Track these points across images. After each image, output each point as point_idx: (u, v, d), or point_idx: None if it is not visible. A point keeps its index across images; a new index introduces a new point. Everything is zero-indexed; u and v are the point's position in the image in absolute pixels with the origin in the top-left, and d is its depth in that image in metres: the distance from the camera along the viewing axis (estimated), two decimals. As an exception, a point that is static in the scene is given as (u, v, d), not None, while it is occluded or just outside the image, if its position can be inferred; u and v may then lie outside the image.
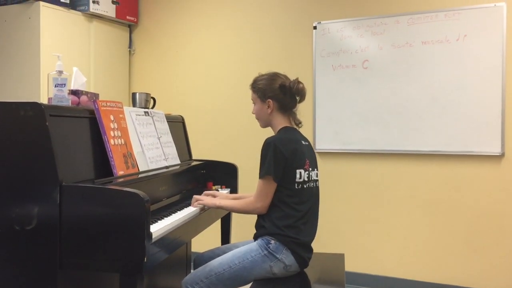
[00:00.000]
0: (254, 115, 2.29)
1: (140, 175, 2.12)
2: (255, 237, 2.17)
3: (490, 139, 3.22)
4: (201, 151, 3.62)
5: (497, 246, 3.26)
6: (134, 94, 2.75)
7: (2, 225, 1.73)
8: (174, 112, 3.12)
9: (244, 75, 3.90)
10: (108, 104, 2.07)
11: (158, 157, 2.39)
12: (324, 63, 3.68)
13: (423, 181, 3.44)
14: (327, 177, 3.53)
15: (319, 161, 2.30)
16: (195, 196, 2.33)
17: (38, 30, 3.53)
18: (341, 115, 3.63)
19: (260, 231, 2.14)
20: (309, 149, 2.23)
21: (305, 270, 2.19)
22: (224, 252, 2.22)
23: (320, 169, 2.29)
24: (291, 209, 2.09)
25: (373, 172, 3.58)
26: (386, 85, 3.49)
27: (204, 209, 2.33)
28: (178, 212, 2.17)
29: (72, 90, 2.20)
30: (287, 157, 2.06)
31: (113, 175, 1.96)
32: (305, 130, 2.30)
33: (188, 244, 3.03)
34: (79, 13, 3.88)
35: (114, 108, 2.11)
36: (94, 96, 2.28)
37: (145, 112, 2.45)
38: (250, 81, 2.30)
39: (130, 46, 4.45)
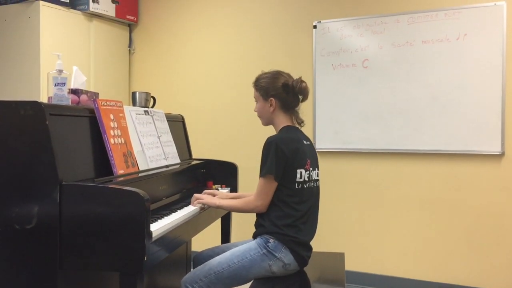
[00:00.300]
0: (255, 114, 2.29)
1: (140, 174, 2.13)
2: (254, 236, 2.17)
3: (490, 138, 3.22)
4: (201, 150, 3.62)
5: (497, 245, 3.26)
6: (134, 93, 2.75)
7: (2, 224, 1.73)
8: (174, 111, 3.12)
9: (244, 75, 3.91)
10: (108, 103, 2.07)
11: (158, 156, 2.39)
12: (324, 62, 3.68)
13: (423, 180, 3.44)
14: (327, 177, 3.53)
15: (319, 160, 2.29)
16: (195, 195, 2.33)
17: (38, 30, 3.53)
18: (341, 114, 3.63)
19: (259, 230, 2.14)
20: (311, 148, 2.23)
21: (305, 269, 2.19)
22: (224, 251, 2.22)
23: (320, 168, 2.29)
24: (290, 209, 2.09)
25: (373, 171, 3.58)
26: (386, 84, 3.49)
27: (204, 208, 2.33)
28: (178, 211, 2.17)
29: (72, 89, 2.20)
30: (288, 156, 2.06)
31: (113, 174, 1.96)
32: (305, 129, 2.30)
33: (188, 243, 3.03)
34: (79, 12, 3.88)
35: (114, 107, 2.11)
36: (94, 95, 2.28)
37: (145, 111, 2.45)
38: (250, 80, 2.30)
39: (130, 45, 4.45)
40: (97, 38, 4.04)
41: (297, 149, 2.10)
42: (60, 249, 1.67)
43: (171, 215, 2.08)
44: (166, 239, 1.86)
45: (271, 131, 2.23)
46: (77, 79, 2.30)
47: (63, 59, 2.06)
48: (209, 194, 2.39)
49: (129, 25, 4.44)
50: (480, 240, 3.29)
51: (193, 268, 2.23)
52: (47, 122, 1.68)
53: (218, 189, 2.74)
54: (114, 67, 4.25)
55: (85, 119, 1.96)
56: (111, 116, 2.06)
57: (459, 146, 3.30)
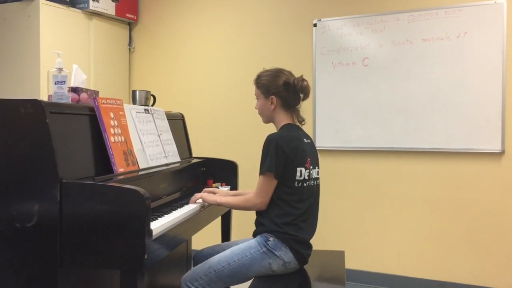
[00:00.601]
0: (255, 112, 2.29)
1: (140, 173, 2.12)
2: (254, 235, 2.17)
3: (490, 137, 3.22)
4: (201, 149, 3.62)
5: (497, 243, 3.26)
6: (134, 92, 2.75)
7: (3, 222, 1.73)
8: (174, 110, 3.11)
9: (244, 73, 3.91)
10: (108, 101, 2.07)
11: (158, 155, 2.39)
12: (324, 61, 3.68)
13: (423, 179, 3.44)
14: (327, 175, 3.53)
15: (319, 159, 2.29)
16: (196, 194, 2.33)
17: (38, 28, 3.53)
18: (341, 113, 3.63)
19: (259, 228, 2.14)
20: (311, 147, 2.23)
21: (305, 267, 2.19)
22: (224, 250, 2.22)
23: (320, 167, 2.29)
24: (290, 207, 2.09)
25: (373, 170, 3.58)
26: (386, 82, 3.49)
27: (204, 206, 2.33)
28: (179, 209, 2.17)
29: (72, 87, 2.20)
30: (288, 154, 2.06)
31: (113, 173, 1.96)
32: (305, 128, 2.29)
33: (188, 242, 3.03)
34: (79, 11, 3.88)
35: (114, 106, 2.11)
36: (94, 94, 2.28)
37: (145, 109, 2.45)
38: (250, 78, 2.30)
39: (130, 44, 4.44)
40: (97, 36, 4.04)
41: (297, 147, 2.09)
42: (60, 247, 1.67)
43: (171, 213, 2.08)
44: (167, 237, 1.86)
45: (271, 129, 2.22)
46: (77, 77, 2.30)
47: (63, 57, 2.06)
48: (209, 192, 2.39)
49: (129, 24, 4.44)
50: (480, 238, 3.30)
51: (193, 266, 2.23)
52: (47, 120, 1.68)
53: (218, 187, 2.74)
54: (114, 66, 4.25)
55: (85, 117, 1.96)
56: (111, 115, 2.06)
57: (459, 144, 3.30)
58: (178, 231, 1.99)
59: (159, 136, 2.48)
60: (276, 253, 2.06)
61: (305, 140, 2.18)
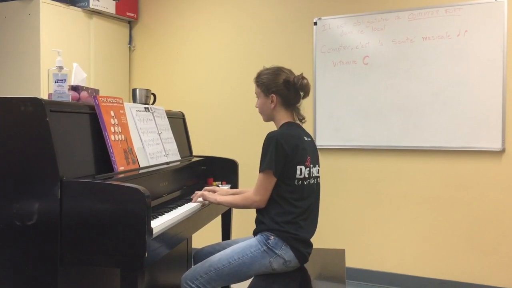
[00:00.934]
0: (255, 111, 2.29)
1: (140, 171, 2.13)
2: (255, 233, 2.17)
3: (490, 135, 3.22)
4: (201, 147, 3.62)
5: (497, 241, 3.26)
6: (134, 90, 2.74)
7: (3, 220, 1.73)
8: (175, 108, 3.11)
9: (245, 71, 3.91)
10: (108, 99, 2.07)
11: (158, 153, 2.39)
12: (325, 59, 3.68)
13: (424, 177, 3.44)
14: (328, 173, 3.52)
15: (319, 157, 2.29)
16: (197, 192, 2.33)
17: (38, 27, 3.53)
18: (341, 111, 3.63)
19: (260, 227, 2.14)
20: (312, 145, 2.22)
21: (306, 265, 2.19)
22: (224, 248, 2.22)
23: (320, 165, 2.29)
24: (290, 206, 2.09)
25: (374, 168, 3.58)
26: (387, 81, 3.49)
27: (204, 205, 2.33)
28: (179, 207, 2.17)
29: (72, 85, 2.20)
30: (288, 152, 2.06)
31: (113, 171, 1.96)
32: (305, 126, 2.29)
33: (188, 240, 3.04)
34: (79, 9, 3.88)
35: (115, 104, 2.11)
36: (94, 92, 2.28)
37: (145, 108, 2.45)
38: (250, 77, 2.29)
39: (130, 42, 4.44)
40: (97, 35, 4.04)
41: (297, 145, 2.09)
42: (60, 245, 1.67)
43: (171, 211, 2.08)
44: (167, 236, 1.86)
45: (271, 127, 2.22)
46: (77, 76, 2.29)
47: (63, 56, 2.06)
48: (209, 191, 2.39)
49: (129, 22, 4.44)
50: (481, 236, 3.30)
51: (194, 264, 2.23)
52: (47, 119, 1.68)
53: (218, 186, 2.74)
54: (114, 64, 4.25)
55: (85, 116, 1.96)
56: (112, 113, 2.06)
57: (460, 142, 3.30)
58: (178, 229, 1.99)
59: (159, 135, 2.48)
60: (277, 251, 2.06)
61: (305, 139, 2.18)
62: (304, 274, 2.17)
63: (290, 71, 2.23)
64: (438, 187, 3.40)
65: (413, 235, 3.48)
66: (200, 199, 2.32)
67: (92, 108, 1.99)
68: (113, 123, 2.04)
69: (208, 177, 2.90)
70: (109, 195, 1.66)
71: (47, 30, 3.57)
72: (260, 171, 2.08)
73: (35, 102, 1.70)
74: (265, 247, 2.07)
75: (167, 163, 2.44)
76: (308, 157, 2.14)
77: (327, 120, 3.68)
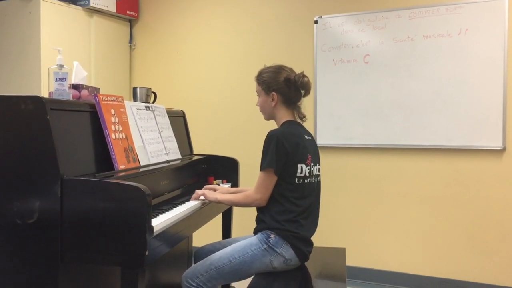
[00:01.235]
0: (256, 109, 2.29)
1: (141, 169, 2.12)
2: (255, 231, 2.17)
3: (491, 134, 3.21)
4: (202, 146, 3.62)
5: (498, 240, 3.26)
6: (134, 89, 2.74)
7: (4, 219, 1.73)
8: (175, 107, 3.11)
9: (245, 70, 3.90)
10: (109, 98, 2.07)
11: (159, 152, 2.39)
12: (325, 58, 3.67)
13: (425, 176, 3.44)
14: (328, 172, 3.52)
15: (320, 156, 2.29)
16: (197, 191, 2.33)
17: (39, 25, 3.53)
18: (342, 110, 3.63)
19: (260, 225, 2.15)
20: (312, 144, 2.22)
21: (306, 264, 2.19)
22: (225, 247, 2.22)
23: (321, 164, 2.29)
24: (291, 204, 2.09)
25: (374, 167, 3.58)
26: (388, 79, 3.49)
27: (205, 203, 2.33)
28: (179, 206, 2.17)
29: (72, 84, 2.20)
30: (289, 151, 2.06)
31: (114, 169, 1.96)
32: (306, 125, 2.29)
33: (189, 239, 3.04)
34: (80, 7, 3.88)
35: (115, 102, 2.11)
36: (95, 90, 2.28)
37: (146, 106, 2.45)
38: (251, 75, 2.29)
39: (130, 41, 4.44)
40: (97, 33, 4.04)
41: (298, 144, 2.09)
42: (61, 243, 1.68)
43: (172, 210, 2.08)
44: (167, 234, 1.86)
45: (272, 126, 2.22)
46: (78, 74, 2.30)
47: (63, 54, 2.06)
48: (210, 189, 2.39)
49: (129, 21, 4.44)
50: (482, 235, 3.29)
51: (194, 263, 2.24)
52: (48, 117, 1.68)
53: (219, 185, 2.74)
54: (114, 63, 4.25)
55: (86, 114, 1.96)
56: (112, 111, 2.06)
57: (460, 141, 3.30)
58: (179, 228, 1.99)
59: (160, 133, 2.48)
60: (277, 250, 2.07)
61: (306, 137, 2.18)
62: (304, 273, 2.17)
63: (291, 69, 2.23)
64: (439, 185, 3.40)
65: (413, 233, 3.48)
66: (202, 197, 2.32)
67: (92, 106, 1.99)
68: (113, 122, 2.04)
69: (208, 176, 2.90)
70: (109, 193, 1.66)
71: (47, 29, 3.57)
72: (261, 170, 2.08)
73: (36, 100, 1.70)
74: (265, 246, 2.07)
75: (167, 161, 2.44)
76: (309, 156, 2.14)
77: (328, 118, 3.68)
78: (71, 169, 1.74)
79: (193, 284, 2.06)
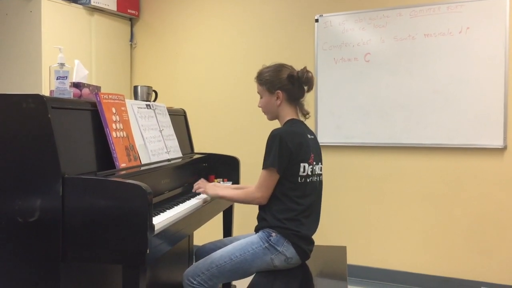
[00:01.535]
0: (257, 108, 2.28)
1: (142, 168, 2.12)
2: (256, 230, 2.18)
3: (492, 132, 3.21)
4: (203, 145, 3.62)
5: (500, 239, 3.26)
6: (135, 87, 2.74)
7: (5, 217, 1.73)
8: (176, 105, 3.11)
9: (246, 69, 3.90)
10: (110, 96, 2.07)
11: (160, 150, 2.39)
12: (326, 56, 3.67)
13: (426, 174, 3.44)
14: (329, 171, 3.51)
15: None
16: (199, 182, 2.34)
17: (40, 24, 3.53)
18: (343, 109, 3.63)
19: (261, 223, 2.15)
20: (315, 143, 2.22)
21: (307, 262, 2.20)
22: (226, 245, 2.22)
23: (322, 162, 2.29)
24: (292, 203, 2.09)
25: (375, 166, 3.58)
26: (388, 78, 3.48)
27: (206, 201, 2.33)
28: (181, 204, 2.17)
29: (74, 82, 2.20)
30: (292, 150, 2.06)
31: (115, 168, 1.96)
32: (307, 123, 2.29)
33: (190, 237, 3.04)
34: (80, 6, 3.88)
35: (116, 101, 2.11)
36: (96, 89, 2.28)
37: (147, 105, 2.45)
38: (252, 74, 2.29)
39: (131, 39, 4.44)
40: (98, 32, 4.04)
41: (301, 143, 2.09)
42: (62, 242, 1.67)
43: (173, 208, 2.08)
44: (168, 233, 1.86)
45: (273, 124, 2.22)
46: (79, 73, 2.29)
47: (64, 53, 2.06)
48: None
49: (130, 19, 4.43)
50: (483, 234, 3.29)
51: (195, 261, 2.24)
52: (49, 115, 1.68)
53: (220, 183, 2.74)
54: (115, 61, 4.25)
55: (87, 113, 1.96)
56: (113, 110, 2.06)
57: (461, 140, 3.29)
58: (180, 226, 1.99)
59: (161, 132, 2.48)
60: (278, 248, 2.07)
61: (309, 136, 2.18)
62: (305, 271, 2.17)
63: (291, 66, 2.23)
64: (440, 184, 3.40)
65: (414, 232, 3.48)
66: (204, 196, 2.32)
67: (93, 105, 1.99)
68: (114, 120, 2.04)
69: (209, 174, 2.90)
70: (110, 192, 1.66)
71: (48, 27, 3.57)
72: (263, 168, 2.08)
73: (37, 99, 1.70)
74: (266, 244, 2.07)
75: (168, 160, 2.44)
76: (312, 155, 2.14)
77: (329, 117, 3.68)
78: (72, 168, 1.74)
79: (194, 282, 2.06)
